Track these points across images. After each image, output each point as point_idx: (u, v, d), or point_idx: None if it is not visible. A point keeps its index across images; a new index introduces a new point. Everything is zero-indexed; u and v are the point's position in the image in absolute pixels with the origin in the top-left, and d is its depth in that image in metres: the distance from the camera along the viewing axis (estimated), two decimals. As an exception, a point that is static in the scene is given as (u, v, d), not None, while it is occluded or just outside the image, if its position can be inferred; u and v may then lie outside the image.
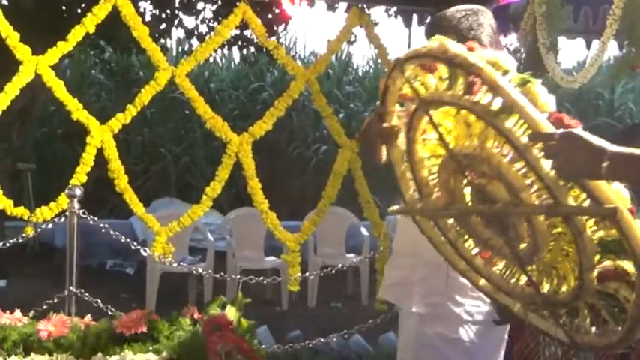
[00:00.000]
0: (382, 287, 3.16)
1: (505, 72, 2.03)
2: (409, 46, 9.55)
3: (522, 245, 2.10)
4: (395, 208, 2.46)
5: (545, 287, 2.12)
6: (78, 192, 4.46)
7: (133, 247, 4.81)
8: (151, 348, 3.02)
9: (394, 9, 9.05)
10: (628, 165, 1.87)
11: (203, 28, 10.01)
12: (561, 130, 1.89)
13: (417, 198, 2.36)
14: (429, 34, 2.95)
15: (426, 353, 2.93)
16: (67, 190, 4.60)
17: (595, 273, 1.97)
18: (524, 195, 1.99)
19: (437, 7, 3.00)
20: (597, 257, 1.97)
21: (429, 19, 3.00)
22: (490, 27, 2.92)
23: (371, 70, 14.58)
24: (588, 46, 7.16)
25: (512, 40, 6.56)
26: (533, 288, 2.12)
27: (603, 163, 1.84)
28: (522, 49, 6.00)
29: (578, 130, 1.92)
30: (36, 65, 5.12)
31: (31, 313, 3.36)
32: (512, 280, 2.22)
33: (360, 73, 14.88)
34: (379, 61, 6.92)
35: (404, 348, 3.00)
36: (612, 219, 1.84)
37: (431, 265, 2.77)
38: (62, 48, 5.23)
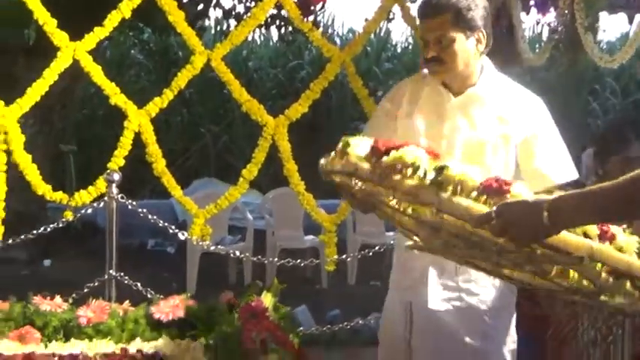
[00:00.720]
0: (396, 290, 3.15)
1: (416, 168, 2.05)
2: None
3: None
4: (410, 244, 2.50)
5: (574, 277, 2.12)
6: (116, 177, 4.50)
7: (171, 231, 4.85)
8: (188, 334, 3.05)
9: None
10: (569, 207, 1.84)
11: (240, 8, 10.02)
12: (495, 208, 1.90)
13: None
14: (429, 12, 2.93)
15: (446, 345, 2.98)
16: (105, 175, 4.64)
17: (604, 274, 1.96)
18: (502, 241, 2.00)
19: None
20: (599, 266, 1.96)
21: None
22: (484, 9, 2.95)
23: (409, 47, 14.50)
24: (631, 21, 7.06)
25: (550, 18, 6.47)
26: (562, 286, 2.12)
27: (544, 213, 1.82)
28: (560, 28, 5.92)
29: (512, 195, 1.93)
30: (73, 51, 5.15)
31: (71, 299, 3.41)
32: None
33: (399, 50, 14.80)
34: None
35: (420, 342, 3.02)
36: (584, 261, 1.87)
37: (442, 263, 2.83)
38: (99, 33, 5.23)
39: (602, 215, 1.86)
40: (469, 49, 2.94)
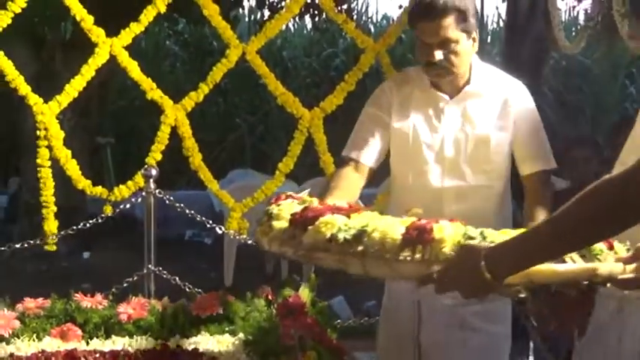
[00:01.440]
0: (401, 291, 3.16)
1: (336, 239, 2.06)
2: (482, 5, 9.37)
3: None
4: None
5: None
6: (153, 172, 4.53)
7: (208, 225, 4.88)
8: (226, 329, 3.08)
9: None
10: (504, 257, 1.82)
11: (274, -3, 10.04)
12: (435, 273, 1.91)
13: None
14: (432, 14, 2.85)
15: (457, 334, 3.05)
16: (142, 171, 4.68)
17: None
18: None
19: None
20: None
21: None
22: (474, 6, 2.96)
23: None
24: (668, 5, 6.94)
25: (586, 4, 6.39)
26: None
27: (481, 263, 1.80)
28: (596, 15, 5.85)
29: (435, 240, 1.93)
30: (110, 47, 5.20)
31: (112, 294, 3.45)
32: None
33: (434, 36, 14.69)
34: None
35: (430, 335, 3.09)
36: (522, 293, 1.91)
37: None
38: (135, 29, 5.27)
39: (538, 257, 1.82)
40: (469, 50, 2.93)
